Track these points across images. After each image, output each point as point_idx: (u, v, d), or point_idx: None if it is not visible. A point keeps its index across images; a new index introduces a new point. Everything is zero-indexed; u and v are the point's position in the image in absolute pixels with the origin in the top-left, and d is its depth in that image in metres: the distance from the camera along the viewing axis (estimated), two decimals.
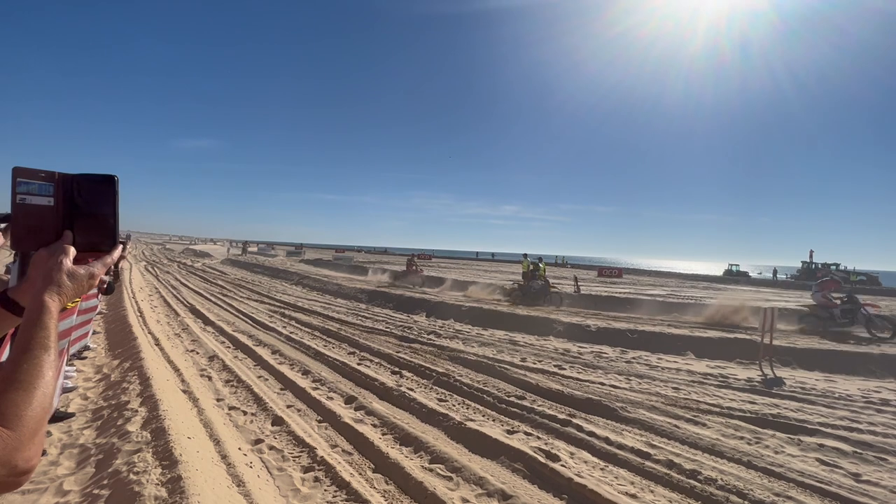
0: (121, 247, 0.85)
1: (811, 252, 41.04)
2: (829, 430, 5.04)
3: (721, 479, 3.85)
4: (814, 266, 40.28)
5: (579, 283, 20.02)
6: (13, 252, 1.81)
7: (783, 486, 3.81)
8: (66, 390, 5.17)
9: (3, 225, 0.86)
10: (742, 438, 4.79)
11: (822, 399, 6.19)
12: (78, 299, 5.05)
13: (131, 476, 3.20)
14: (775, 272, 41.90)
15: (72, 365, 5.93)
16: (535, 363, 7.64)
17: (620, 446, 4.44)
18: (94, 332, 8.36)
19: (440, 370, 6.82)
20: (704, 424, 5.12)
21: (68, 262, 0.74)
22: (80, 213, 0.80)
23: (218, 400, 5.38)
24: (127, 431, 3.99)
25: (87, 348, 6.93)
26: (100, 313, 9.69)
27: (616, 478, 3.90)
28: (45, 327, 0.66)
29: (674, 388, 6.50)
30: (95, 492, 3.13)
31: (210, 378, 6.18)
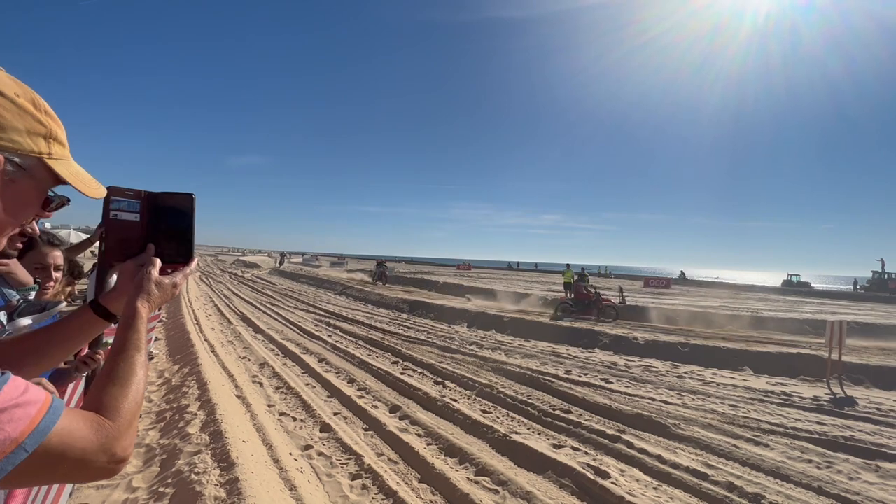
0: (197, 259, 0.93)
1: (882, 261, 37.97)
2: None
3: None
4: (886, 276, 37.22)
5: (625, 294, 19.37)
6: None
7: None
8: None
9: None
10: (810, 462, 4.46)
11: None
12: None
13: (193, 476, 3.37)
14: (856, 283, 39.26)
15: None
16: (580, 376, 7.45)
17: (675, 465, 4.24)
18: (157, 339, 8.91)
19: (483, 381, 6.77)
20: (767, 445, 4.80)
21: (156, 272, 0.83)
22: (162, 227, 0.88)
23: (269, 406, 5.58)
24: (187, 433, 4.22)
25: (150, 354, 7.40)
26: (161, 321, 10.32)
27: (671, 498, 3.72)
28: (137, 330, 0.74)
29: (731, 405, 6.15)
30: (161, 490, 3.32)
31: (261, 384, 6.43)
